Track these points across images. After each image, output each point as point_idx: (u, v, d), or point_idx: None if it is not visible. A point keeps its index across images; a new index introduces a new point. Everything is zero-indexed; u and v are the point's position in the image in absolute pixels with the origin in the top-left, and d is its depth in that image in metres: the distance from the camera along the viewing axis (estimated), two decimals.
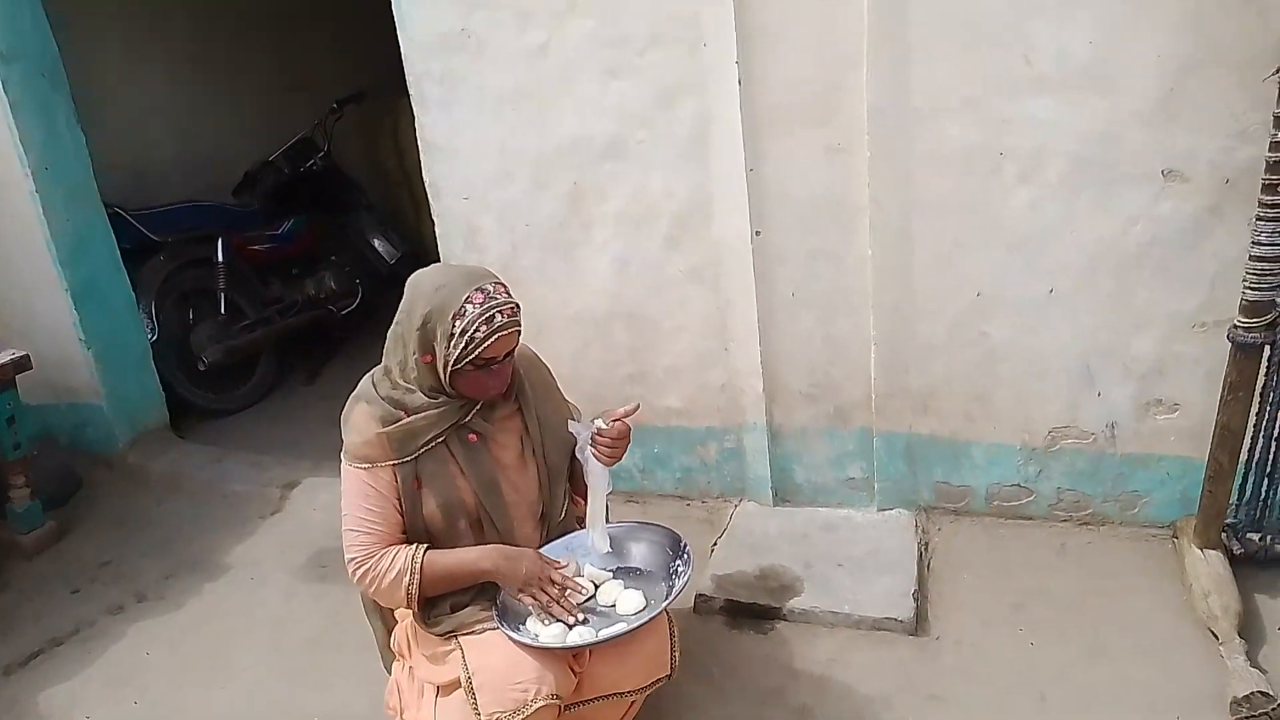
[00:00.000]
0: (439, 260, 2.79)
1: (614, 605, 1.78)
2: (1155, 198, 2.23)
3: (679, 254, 2.65)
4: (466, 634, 1.76)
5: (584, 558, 1.87)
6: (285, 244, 4.43)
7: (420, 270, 1.81)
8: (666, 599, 1.74)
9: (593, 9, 2.46)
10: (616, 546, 1.88)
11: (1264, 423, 2.18)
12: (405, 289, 1.78)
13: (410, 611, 1.82)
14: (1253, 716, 1.88)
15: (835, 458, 2.74)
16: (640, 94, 2.51)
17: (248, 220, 4.32)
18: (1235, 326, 2.11)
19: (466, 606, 1.80)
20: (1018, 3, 2.16)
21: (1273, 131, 1.96)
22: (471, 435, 1.80)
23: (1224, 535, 2.29)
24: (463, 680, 1.68)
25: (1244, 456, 2.22)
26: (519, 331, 1.75)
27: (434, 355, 1.71)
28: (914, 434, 2.62)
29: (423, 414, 1.74)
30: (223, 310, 4.01)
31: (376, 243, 4.67)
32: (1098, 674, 2.09)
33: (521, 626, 1.72)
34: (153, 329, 3.73)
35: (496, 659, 1.67)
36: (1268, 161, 1.98)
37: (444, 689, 1.75)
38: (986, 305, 2.44)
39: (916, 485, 2.69)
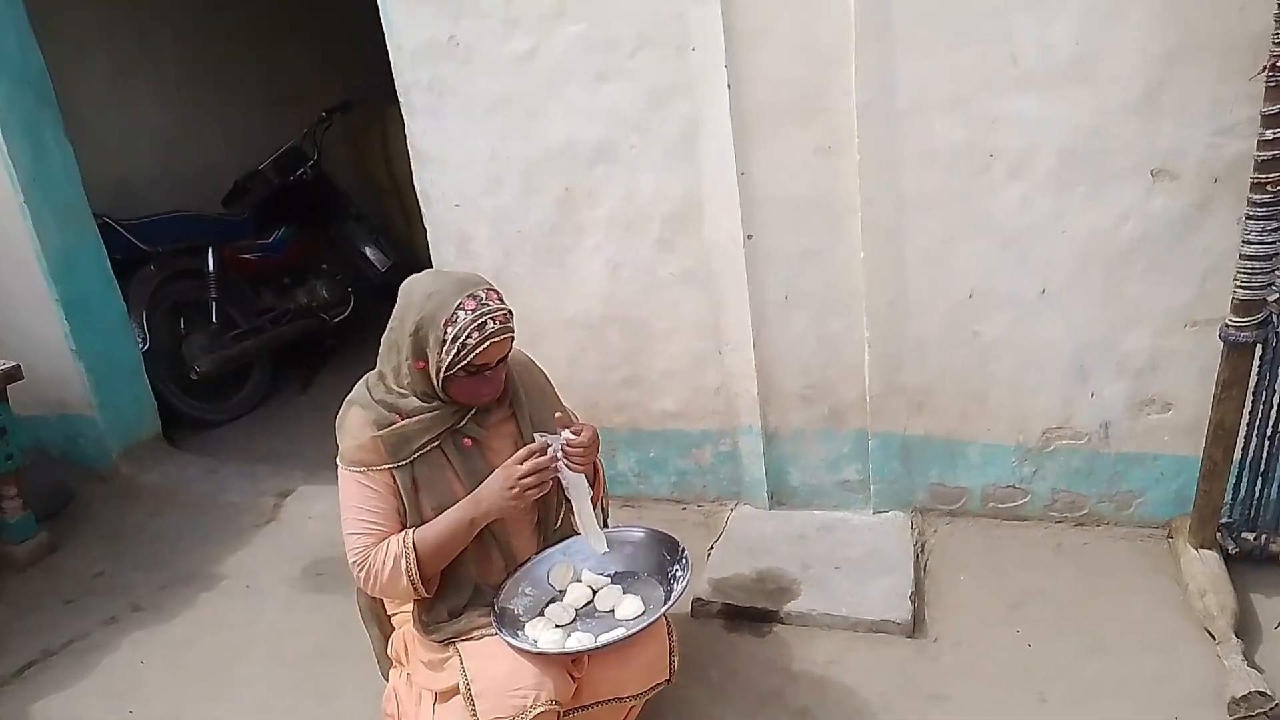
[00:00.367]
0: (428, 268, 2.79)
1: (612, 610, 1.78)
2: (1146, 194, 2.23)
3: (671, 256, 2.65)
4: (465, 640, 1.75)
5: (582, 562, 1.87)
6: (276, 253, 4.42)
7: (413, 276, 1.81)
8: (666, 604, 1.74)
9: (581, 13, 2.47)
10: (614, 551, 1.88)
11: (1258, 420, 2.19)
12: (398, 295, 1.77)
13: (408, 618, 1.81)
14: (1251, 716, 1.88)
15: (831, 460, 2.74)
16: (630, 97, 2.51)
17: (238, 230, 4.31)
18: (1227, 325, 2.11)
19: (464, 613, 1.79)
20: None
21: (1260, 130, 1.97)
22: (466, 440, 1.80)
23: (1219, 534, 2.29)
24: (461, 687, 1.67)
25: (1238, 455, 2.22)
26: (512, 338, 1.75)
27: (427, 361, 1.71)
28: (909, 435, 2.63)
29: (416, 418, 1.74)
30: (214, 320, 4.00)
31: (368, 251, 4.66)
32: (1096, 672, 2.09)
33: (520, 632, 1.72)
34: (144, 339, 3.72)
35: (495, 665, 1.67)
36: (1256, 160, 1.99)
37: (442, 696, 1.75)
38: (979, 303, 2.44)
39: (912, 486, 2.69)
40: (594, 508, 1.87)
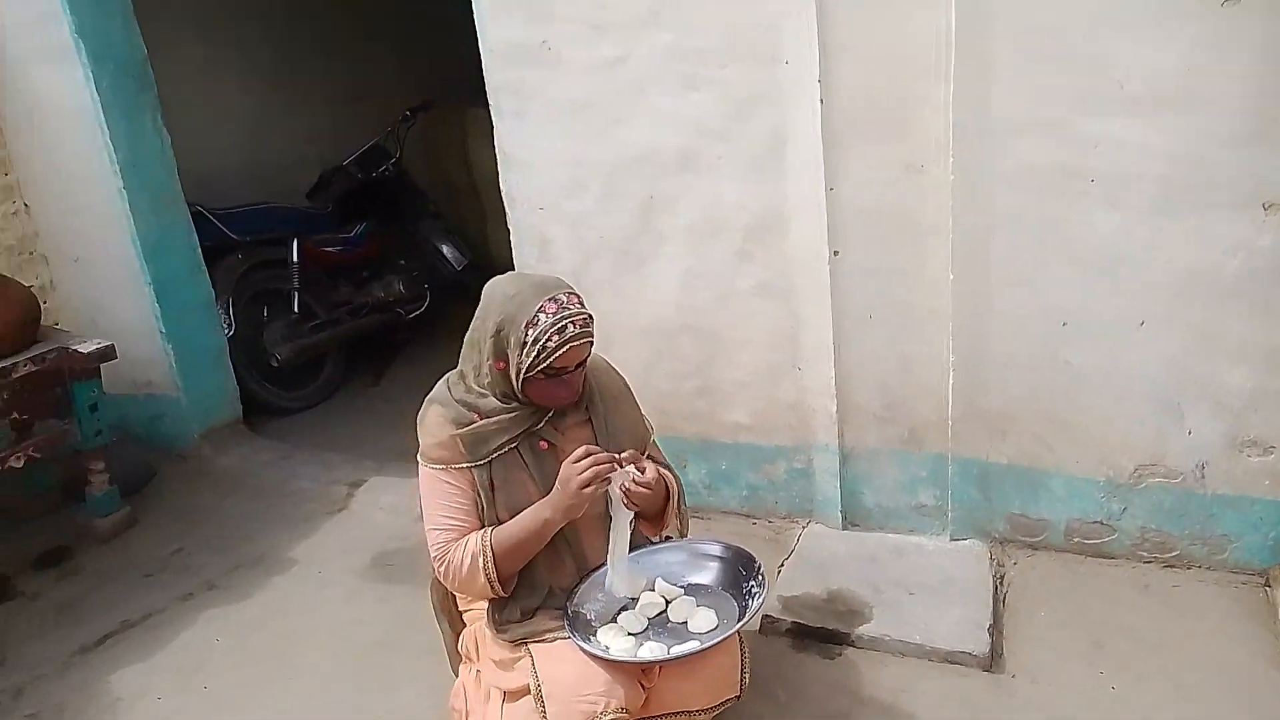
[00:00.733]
0: (502, 269, 2.81)
1: (685, 622, 1.76)
2: (1256, 229, 2.13)
3: (750, 268, 2.62)
4: (537, 642, 1.75)
5: (656, 571, 1.86)
6: (355, 247, 4.51)
7: (496, 277, 1.83)
8: (741, 620, 1.71)
9: (672, 22, 2.46)
10: (690, 562, 1.87)
11: None
12: (481, 295, 1.79)
13: (480, 614, 1.82)
14: None
15: (906, 482, 2.68)
16: (716, 107, 2.50)
17: (320, 223, 4.41)
18: None
19: (537, 614, 1.80)
20: (1102, 20, 2.09)
21: None
22: (543, 443, 1.80)
23: None
24: (532, 688, 1.67)
25: None
26: (591, 342, 1.75)
27: (507, 362, 1.72)
28: (990, 461, 2.55)
29: (494, 419, 1.76)
30: (295, 310, 4.10)
31: (445, 249, 4.73)
32: (1183, 719, 1.99)
33: (593, 638, 1.71)
34: (229, 326, 3.83)
35: (567, 669, 1.66)
36: None
37: (510, 695, 1.75)
38: (1070, 330, 2.35)
39: (991, 515, 2.61)
40: (672, 520, 1.86)
